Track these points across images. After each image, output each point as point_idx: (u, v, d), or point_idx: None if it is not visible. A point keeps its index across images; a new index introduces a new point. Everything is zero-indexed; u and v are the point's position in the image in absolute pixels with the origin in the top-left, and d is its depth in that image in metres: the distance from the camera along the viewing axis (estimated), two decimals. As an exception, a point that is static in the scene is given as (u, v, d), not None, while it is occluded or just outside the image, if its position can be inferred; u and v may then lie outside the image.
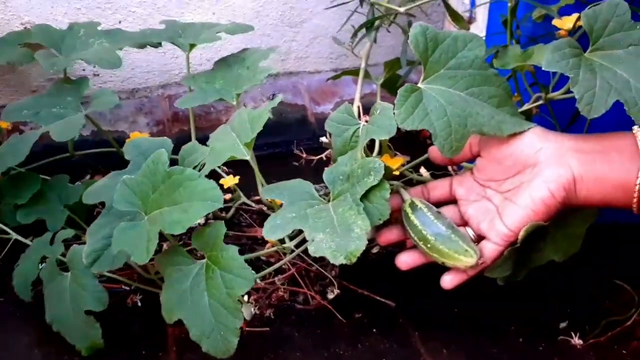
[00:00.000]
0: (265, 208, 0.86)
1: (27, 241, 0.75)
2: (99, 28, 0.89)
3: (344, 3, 0.76)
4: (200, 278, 0.61)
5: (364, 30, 0.75)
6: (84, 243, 0.80)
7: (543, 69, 0.55)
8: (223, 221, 0.63)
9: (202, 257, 0.63)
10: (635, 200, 0.55)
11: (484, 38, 0.81)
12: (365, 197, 0.59)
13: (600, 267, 0.79)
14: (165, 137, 0.75)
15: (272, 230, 0.58)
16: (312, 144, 1.07)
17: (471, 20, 0.82)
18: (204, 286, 0.61)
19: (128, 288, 0.75)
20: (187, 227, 0.59)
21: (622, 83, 0.55)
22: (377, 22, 0.72)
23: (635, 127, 0.56)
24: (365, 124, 0.64)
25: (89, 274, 0.65)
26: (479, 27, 0.81)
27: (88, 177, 0.96)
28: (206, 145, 0.72)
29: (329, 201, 0.62)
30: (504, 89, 0.59)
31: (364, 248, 0.54)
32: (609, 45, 0.57)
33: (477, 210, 0.62)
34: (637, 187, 0.54)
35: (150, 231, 0.60)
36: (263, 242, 0.84)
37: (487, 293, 0.69)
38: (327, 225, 0.57)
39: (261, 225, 0.87)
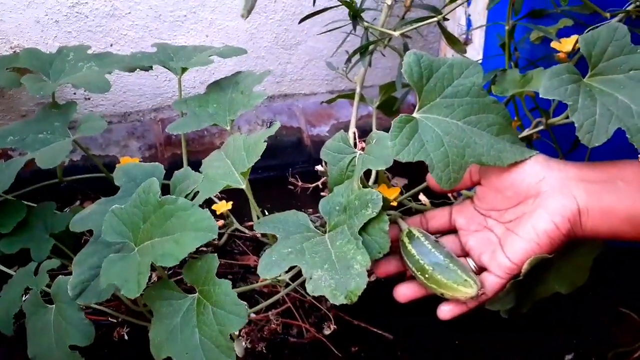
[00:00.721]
0: (259, 235, 0.84)
1: (11, 271, 0.72)
2: (89, 51, 0.88)
3: (337, 28, 0.75)
4: (191, 314, 0.59)
5: (358, 55, 0.73)
6: (71, 273, 0.78)
7: (540, 96, 0.53)
8: (215, 254, 0.60)
9: (192, 289, 0.61)
10: None
11: (481, 60, 0.80)
12: (363, 229, 0.56)
13: (604, 294, 0.76)
14: (156, 163, 0.73)
15: (268, 268, 0.55)
16: (308, 166, 1.05)
17: (467, 42, 0.80)
18: (195, 322, 0.58)
19: (115, 320, 0.72)
20: (180, 259, 0.57)
21: (624, 109, 0.53)
22: (371, 47, 0.70)
23: None
24: (362, 152, 0.62)
25: (75, 307, 0.62)
26: (476, 49, 0.80)
27: (78, 203, 0.94)
28: (199, 171, 0.69)
29: (325, 232, 0.60)
30: (504, 117, 0.57)
31: (365, 286, 0.51)
32: (609, 70, 0.55)
33: (478, 241, 0.59)
34: None
35: (141, 264, 0.57)
36: (256, 270, 0.82)
37: (488, 324, 0.66)
38: (325, 260, 0.54)
39: (255, 253, 0.85)
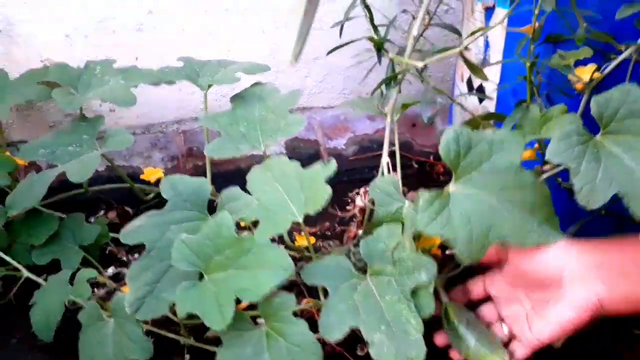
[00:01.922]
0: (282, 247, 0.85)
1: (40, 280, 0.75)
2: (115, 65, 0.90)
3: (362, 61, 0.77)
4: (262, 346, 0.60)
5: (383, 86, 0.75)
6: (99, 283, 0.80)
7: (546, 159, 0.55)
8: (293, 295, 0.62)
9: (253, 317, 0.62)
10: None
11: (499, 82, 0.81)
12: None
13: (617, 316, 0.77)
14: (203, 178, 0.72)
15: (330, 330, 0.58)
16: (325, 179, 1.07)
17: (485, 63, 0.82)
18: (267, 357, 0.59)
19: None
20: (260, 296, 0.58)
21: (626, 174, 0.54)
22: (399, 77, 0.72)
23: None
24: (411, 204, 0.62)
25: (134, 322, 0.64)
26: (493, 71, 0.81)
27: (102, 212, 0.96)
28: (245, 189, 0.67)
29: (365, 272, 0.62)
30: (541, 194, 0.58)
31: (425, 355, 0.56)
32: (621, 130, 0.57)
33: (510, 312, 0.63)
34: None
35: (219, 295, 0.59)
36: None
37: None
38: (379, 320, 0.57)
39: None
